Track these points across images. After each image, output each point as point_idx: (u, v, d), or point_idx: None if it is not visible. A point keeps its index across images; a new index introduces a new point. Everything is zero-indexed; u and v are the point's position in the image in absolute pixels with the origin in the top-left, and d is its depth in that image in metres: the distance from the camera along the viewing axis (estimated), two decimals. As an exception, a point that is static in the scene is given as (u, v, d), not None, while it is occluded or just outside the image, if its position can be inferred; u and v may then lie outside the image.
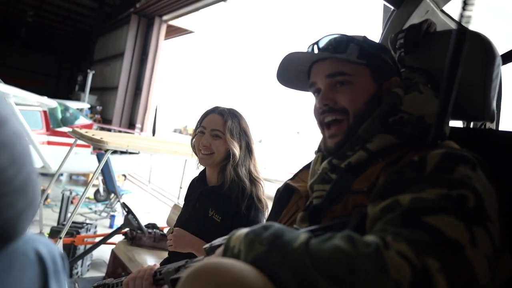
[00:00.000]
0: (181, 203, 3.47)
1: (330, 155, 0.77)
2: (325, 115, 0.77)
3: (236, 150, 1.41)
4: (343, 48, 0.76)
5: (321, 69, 0.78)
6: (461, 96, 0.80)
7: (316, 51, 0.80)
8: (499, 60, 0.82)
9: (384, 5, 1.22)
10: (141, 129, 10.19)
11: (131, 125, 10.68)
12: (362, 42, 0.78)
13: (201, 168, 1.55)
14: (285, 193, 0.90)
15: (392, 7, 1.15)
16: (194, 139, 1.50)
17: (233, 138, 1.41)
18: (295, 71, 0.84)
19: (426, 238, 0.47)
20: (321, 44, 0.79)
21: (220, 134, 1.41)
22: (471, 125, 0.91)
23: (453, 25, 1.14)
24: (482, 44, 0.80)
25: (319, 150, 0.87)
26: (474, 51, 0.79)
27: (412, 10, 1.10)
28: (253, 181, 1.44)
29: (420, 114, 0.72)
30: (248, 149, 1.46)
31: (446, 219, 0.49)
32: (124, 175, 7.09)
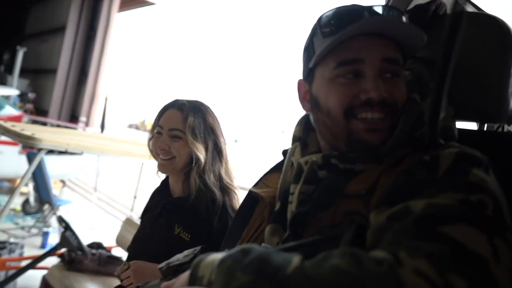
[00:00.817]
0: (135, 216, 3.42)
1: (365, 151, 0.72)
2: (374, 109, 0.71)
3: (201, 154, 1.40)
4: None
5: (376, 47, 0.72)
6: (472, 92, 0.83)
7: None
8: (518, 50, 0.85)
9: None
10: (87, 124, 10.01)
11: (73, 118, 10.46)
12: None
13: (163, 176, 1.53)
14: (248, 203, 0.90)
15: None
16: (150, 141, 1.48)
17: (196, 139, 1.39)
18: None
19: (447, 252, 0.49)
20: (380, 15, 0.75)
21: (180, 134, 1.40)
22: (485, 127, 0.93)
23: (468, 7, 1.16)
24: (499, 31, 0.82)
25: (296, 140, 0.85)
26: (489, 39, 0.81)
27: (419, -14, 1.11)
28: (225, 189, 1.43)
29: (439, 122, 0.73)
30: (216, 151, 1.45)
31: (466, 229, 0.52)
32: (63, 181, 6.94)
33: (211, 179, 1.41)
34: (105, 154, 3.18)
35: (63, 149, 2.77)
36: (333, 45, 0.74)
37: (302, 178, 0.76)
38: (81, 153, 4.42)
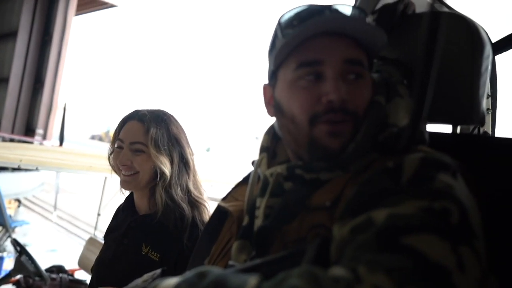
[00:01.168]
0: (100, 235, 3.35)
1: (324, 159, 0.73)
2: (337, 115, 0.71)
3: (166, 167, 1.38)
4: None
5: (336, 47, 0.73)
6: (444, 94, 0.85)
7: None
8: (489, 50, 0.88)
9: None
10: (44, 137, 9.79)
11: (29, 130, 10.21)
12: None
13: (127, 192, 1.51)
14: (216, 218, 0.90)
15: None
16: (111, 156, 1.46)
17: (159, 152, 1.37)
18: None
19: (407, 264, 0.49)
20: (341, 13, 0.75)
21: (142, 147, 1.38)
22: (458, 129, 0.95)
23: (436, 5, 1.20)
24: (468, 31, 0.84)
25: (263, 151, 0.86)
26: (458, 38, 0.84)
27: (387, -15, 1.14)
28: (194, 203, 1.42)
29: (404, 124, 0.74)
30: (183, 163, 1.44)
31: (428, 239, 0.52)
32: (18, 200, 6.74)
33: (178, 194, 1.39)
34: (64, 169, 3.11)
35: (15, 166, 2.70)
36: (293, 44, 0.74)
37: (267, 191, 0.77)
38: (36, 169, 4.33)
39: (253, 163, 0.88)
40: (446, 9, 1.23)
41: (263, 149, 0.86)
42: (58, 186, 6.56)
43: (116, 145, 1.43)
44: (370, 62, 0.79)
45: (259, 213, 0.76)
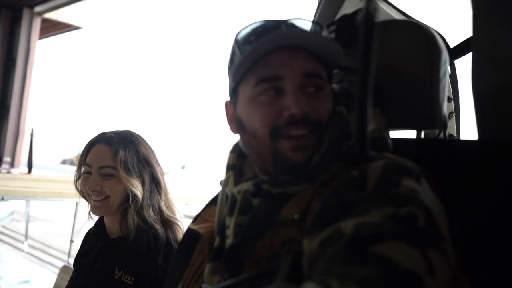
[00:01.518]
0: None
1: (290, 172, 0.73)
2: (299, 126, 0.72)
3: (137, 190, 1.36)
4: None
5: (294, 62, 0.73)
6: (405, 100, 0.86)
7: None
8: (445, 55, 0.90)
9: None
10: (11, 164, 9.51)
11: (-5, 159, 9.91)
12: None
13: (96, 217, 1.48)
14: (187, 241, 0.88)
15: (320, -6, 1.21)
16: (78, 181, 1.43)
17: (129, 175, 1.35)
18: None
19: (378, 274, 0.48)
20: (298, 27, 0.76)
21: (112, 171, 1.36)
22: (422, 134, 0.97)
23: (394, 14, 1.23)
24: (423, 37, 0.86)
25: (229, 169, 0.85)
26: (415, 45, 0.86)
27: (344, -3, 1.16)
28: (167, 223, 1.40)
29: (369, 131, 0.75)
30: (154, 183, 1.42)
31: (397, 246, 0.51)
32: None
33: (150, 215, 1.37)
34: (33, 197, 3.03)
35: (-19, 197, 2.61)
36: (251, 60, 0.74)
37: (235, 209, 0.76)
38: (2, 199, 4.20)
39: (221, 182, 0.87)
40: (403, 17, 1.26)
41: (229, 168, 0.86)
42: (29, 215, 6.37)
43: (83, 170, 1.40)
44: (329, 74, 0.80)
45: (229, 232, 0.75)
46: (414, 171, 0.65)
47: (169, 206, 1.45)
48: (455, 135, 1.42)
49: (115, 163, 1.35)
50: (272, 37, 0.73)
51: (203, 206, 0.96)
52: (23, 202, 5.85)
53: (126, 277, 1.31)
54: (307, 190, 0.71)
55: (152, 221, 1.36)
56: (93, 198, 1.37)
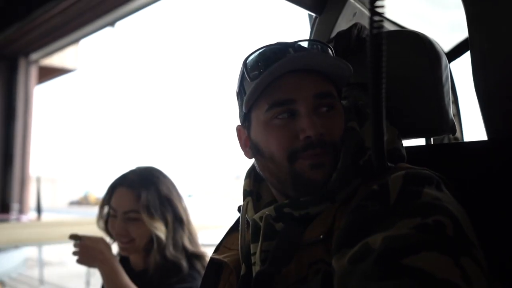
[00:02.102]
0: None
1: (309, 192, 0.72)
2: (315, 151, 0.71)
3: (161, 232, 1.39)
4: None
5: (305, 84, 0.74)
6: (412, 109, 0.86)
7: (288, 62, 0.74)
8: (445, 60, 0.90)
9: (309, 13, 1.30)
10: (21, 211, 9.49)
11: (4, 207, 9.89)
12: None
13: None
14: (211, 272, 0.87)
15: (314, 14, 1.22)
16: (100, 221, 1.46)
17: (152, 218, 1.38)
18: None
19: (416, 286, 0.47)
20: (306, 50, 0.78)
21: (136, 215, 1.38)
22: (432, 141, 0.96)
23: (387, 25, 1.24)
24: (422, 46, 0.86)
25: (247, 195, 0.85)
26: (416, 55, 0.86)
27: (337, 14, 1.18)
28: (194, 257, 1.42)
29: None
30: (177, 221, 1.44)
31: (429, 256, 0.51)
32: (1, 282, 6.45)
33: (171, 252, 1.39)
34: (45, 243, 3.01)
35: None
36: (262, 87, 0.74)
37: (260, 235, 0.75)
38: (15, 247, 4.18)
39: (239, 209, 0.87)
40: (397, 27, 1.27)
41: (246, 194, 0.85)
42: (42, 260, 6.33)
43: (110, 213, 1.43)
44: (339, 91, 0.80)
45: (256, 259, 0.74)
46: (434, 178, 0.65)
47: (192, 240, 1.46)
48: (460, 137, 1.42)
49: (138, 207, 1.37)
50: (283, 63, 0.72)
51: (213, 234, 0.95)
52: (35, 248, 5.81)
53: None
54: (329, 209, 0.70)
55: (178, 260, 1.38)
56: (121, 240, 1.40)
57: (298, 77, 0.74)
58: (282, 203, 0.75)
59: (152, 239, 1.39)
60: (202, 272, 1.38)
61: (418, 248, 0.52)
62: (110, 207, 1.42)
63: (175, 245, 1.41)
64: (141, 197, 1.37)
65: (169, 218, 1.42)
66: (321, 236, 0.67)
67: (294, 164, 0.73)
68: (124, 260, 1.50)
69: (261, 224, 0.75)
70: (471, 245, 0.55)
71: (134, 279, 1.40)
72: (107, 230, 1.47)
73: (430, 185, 0.63)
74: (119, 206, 1.39)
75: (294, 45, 0.77)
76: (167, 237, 1.39)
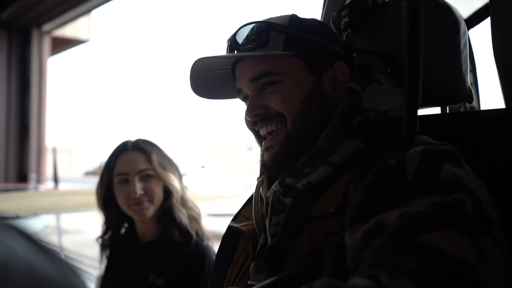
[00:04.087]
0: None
1: (268, 171, 0.80)
2: (260, 126, 0.80)
3: (177, 184, 1.43)
4: (264, 40, 0.77)
5: (244, 72, 0.80)
6: (428, 77, 0.84)
7: (234, 48, 0.80)
8: (464, 26, 0.87)
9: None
10: (38, 180, 9.68)
11: (23, 176, 10.09)
12: (287, 28, 0.78)
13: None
14: (229, 239, 0.89)
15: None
16: (118, 195, 1.42)
17: (166, 171, 1.42)
18: (215, 78, 0.84)
19: (430, 265, 0.47)
20: (239, 39, 0.80)
21: (151, 172, 1.41)
22: (447, 109, 0.94)
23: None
24: (440, 11, 0.83)
25: (263, 172, 0.87)
26: (433, 21, 0.83)
27: (352, -21, 1.13)
28: (191, 216, 1.45)
29: (385, 109, 0.74)
30: (181, 179, 1.49)
31: (446, 235, 0.50)
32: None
33: (183, 211, 1.43)
34: (62, 211, 3.07)
35: (13, 216, 2.66)
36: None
37: (268, 210, 0.77)
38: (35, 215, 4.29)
39: (257, 182, 0.89)
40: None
41: (262, 171, 0.87)
42: (60, 228, 6.49)
43: (117, 180, 1.41)
44: (309, 59, 0.79)
45: (270, 231, 0.76)
46: (454, 154, 0.63)
47: (190, 200, 1.50)
48: (476, 106, 1.38)
49: (151, 164, 1.40)
50: (219, 60, 0.82)
51: (226, 204, 0.97)
52: (53, 216, 5.96)
53: (158, 279, 1.35)
54: (340, 181, 0.70)
55: (183, 218, 1.42)
56: (142, 199, 1.38)
57: (239, 67, 0.81)
58: (283, 175, 0.76)
59: (165, 198, 1.42)
60: (207, 242, 1.42)
61: (435, 226, 0.51)
62: (118, 174, 1.41)
63: (184, 204, 1.45)
64: (152, 155, 1.41)
65: (177, 174, 1.47)
66: (332, 210, 0.67)
67: (261, 141, 0.82)
68: (130, 232, 1.50)
69: (270, 200, 0.77)
70: (491, 224, 0.54)
71: (144, 250, 1.42)
72: (105, 199, 1.46)
73: (450, 161, 0.61)
74: (132, 168, 1.40)
75: (233, 38, 0.81)
76: (182, 192, 1.44)
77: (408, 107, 0.64)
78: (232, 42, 0.81)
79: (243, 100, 0.83)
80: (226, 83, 0.86)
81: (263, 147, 0.81)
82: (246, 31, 0.79)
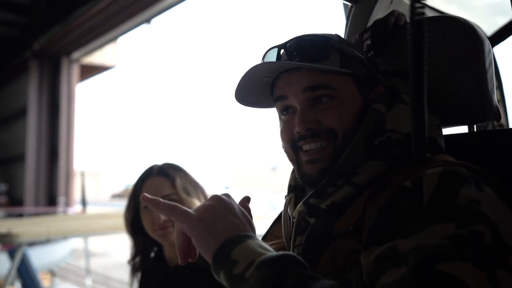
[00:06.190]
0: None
1: (309, 185, 0.78)
2: (308, 140, 0.76)
3: None
4: (322, 53, 0.77)
5: (295, 81, 0.77)
6: (454, 96, 0.83)
7: (284, 57, 0.80)
8: (488, 45, 0.86)
9: (344, 2, 1.28)
10: (67, 204, 9.84)
11: (51, 201, 10.27)
12: (341, 45, 0.79)
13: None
14: None
15: (349, 3, 1.20)
16: (143, 219, 1.43)
17: (190, 197, 1.42)
18: (258, 85, 0.83)
19: None
20: (291, 49, 0.79)
21: (175, 197, 1.41)
22: (475, 128, 0.93)
23: (426, 11, 1.20)
24: (464, 30, 0.83)
25: (291, 190, 0.87)
26: (457, 41, 0.83)
27: (374, 2, 1.15)
28: None
29: (408, 131, 0.74)
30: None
31: (463, 268, 0.49)
32: (51, 271, 6.73)
33: None
34: (91, 234, 3.11)
35: (44, 239, 2.71)
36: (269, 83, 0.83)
37: (293, 231, 0.78)
38: (64, 238, 4.34)
39: (285, 201, 0.89)
40: (437, 13, 1.23)
41: (290, 189, 0.87)
42: (88, 251, 6.56)
43: (143, 205, 1.42)
44: (359, 79, 0.79)
45: (296, 251, 0.76)
46: (473, 177, 0.62)
47: None
48: (505, 124, 1.36)
49: (175, 190, 1.41)
50: (276, 67, 0.79)
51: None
52: (81, 239, 6.02)
53: None
54: (359, 199, 0.70)
55: None
56: (167, 225, 1.38)
57: (288, 75, 0.78)
58: (308, 196, 0.77)
59: None
60: None
61: (452, 257, 0.50)
62: None
63: None
64: (176, 180, 1.43)
65: (202, 198, 1.47)
66: (351, 227, 0.67)
67: (298, 154, 0.79)
68: (159, 257, 1.50)
69: (296, 219, 0.78)
70: (509, 253, 0.53)
71: (172, 276, 1.41)
72: (133, 223, 1.47)
73: (469, 184, 0.60)
74: (157, 193, 1.40)
75: (286, 46, 0.80)
76: None
77: (415, 125, 0.63)
78: (286, 51, 0.79)
79: (283, 109, 0.81)
80: (264, 92, 0.85)
81: (304, 159, 0.78)
82: (301, 42, 0.79)
